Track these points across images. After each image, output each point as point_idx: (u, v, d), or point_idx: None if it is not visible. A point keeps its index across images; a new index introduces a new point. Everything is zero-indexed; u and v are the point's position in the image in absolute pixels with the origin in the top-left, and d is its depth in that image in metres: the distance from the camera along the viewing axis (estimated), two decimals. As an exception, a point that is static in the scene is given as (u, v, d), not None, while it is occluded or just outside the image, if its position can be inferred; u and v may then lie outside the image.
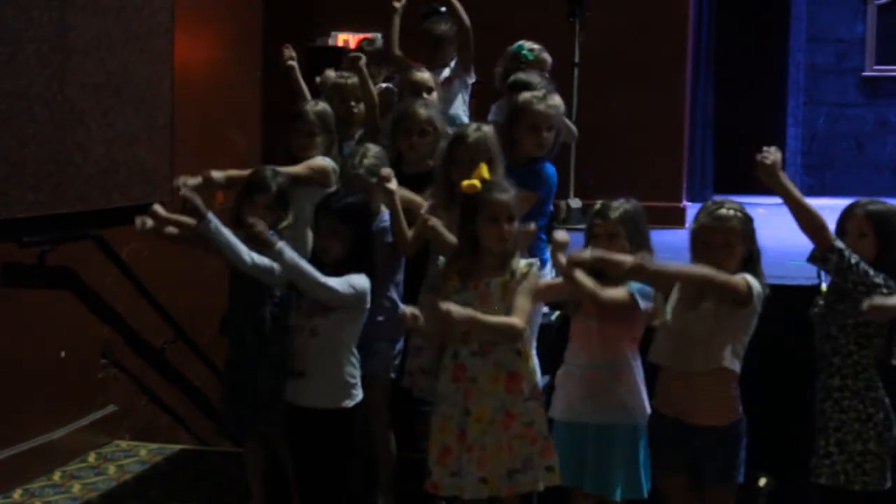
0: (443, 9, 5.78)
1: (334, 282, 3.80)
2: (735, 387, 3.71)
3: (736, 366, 3.69)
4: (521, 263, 3.81)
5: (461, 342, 3.78)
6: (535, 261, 3.91)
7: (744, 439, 3.72)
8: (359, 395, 3.99)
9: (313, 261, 3.96)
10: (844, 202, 3.86)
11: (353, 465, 4.12)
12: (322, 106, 4.94)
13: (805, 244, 3.77)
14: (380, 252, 4.23)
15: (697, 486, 3.77)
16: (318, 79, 5.77)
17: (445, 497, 4.05)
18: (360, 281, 3.87)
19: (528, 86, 4.83)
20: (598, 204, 3.89)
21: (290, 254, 3.78)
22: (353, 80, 5.23)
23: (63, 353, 5.52)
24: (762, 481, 4.58)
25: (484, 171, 4.13)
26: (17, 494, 5.04)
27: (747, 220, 3.72)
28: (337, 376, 3.93)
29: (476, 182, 4.03)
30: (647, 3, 7.31)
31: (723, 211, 3.70)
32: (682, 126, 7.68)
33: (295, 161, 4.78)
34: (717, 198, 3.86)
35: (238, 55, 7.52)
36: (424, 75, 5.34)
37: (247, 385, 4.28)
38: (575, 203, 6.63)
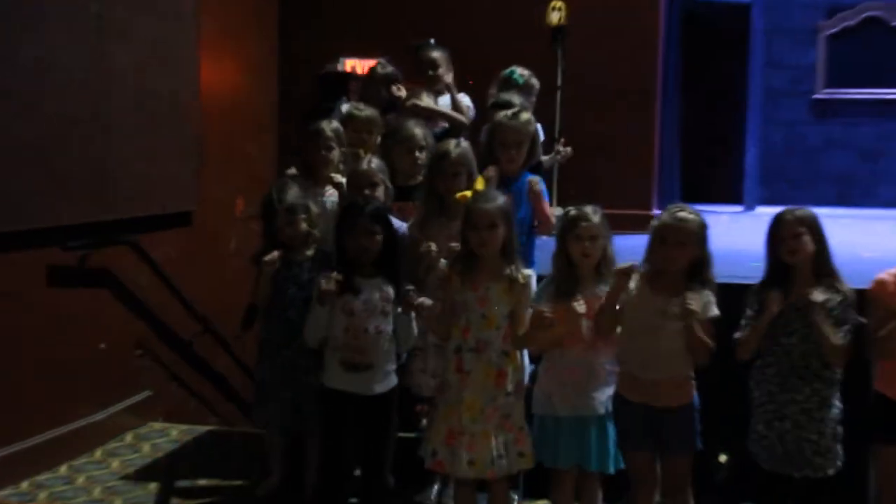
0: (432, 40, 5.79)
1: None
2: (692, 371, 3.77)
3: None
4: (521, 273, 3.81)
5: (462, 338, 3.82)
6: (532, 272, 3.95)
7: (698, 412, 3.78)
8: (396, 377, 4.08)
9: (346, 264, 3.97)
10: (799, 206, 3.87)
11: (393, 438, 4.18)
12: (336, 124, 4.89)
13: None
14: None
15: (661, 458, 3.82)
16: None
17: (445, 474, 4.12)
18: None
19: (506, 105, 4.82)
20: (573, 210, 3.88)
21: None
22: (367, 112, 5.12)
23: (103, 345, 5.56)
24: (722, 458, 4.62)
25: (479, 182, 4.18)
26: (63, 470, 5.08)
27: (703, 226, 3.74)
28: (390, 365, 4.02)
29: (467, 193, 4.07)
30: (621, 34, 7.33)
31: (683, 213, 3.74)
32: (652, 142, 7.70)
33: (313, 173, 4.77)
34: (680, 203, 3.89)
35: (256, 79, 7.56)
36: (427, 102, 5.36)
37: (290, 382, 4.33)
38: (557, 211, 6.66)
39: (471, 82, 5.93)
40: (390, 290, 3.96)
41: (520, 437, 3.83)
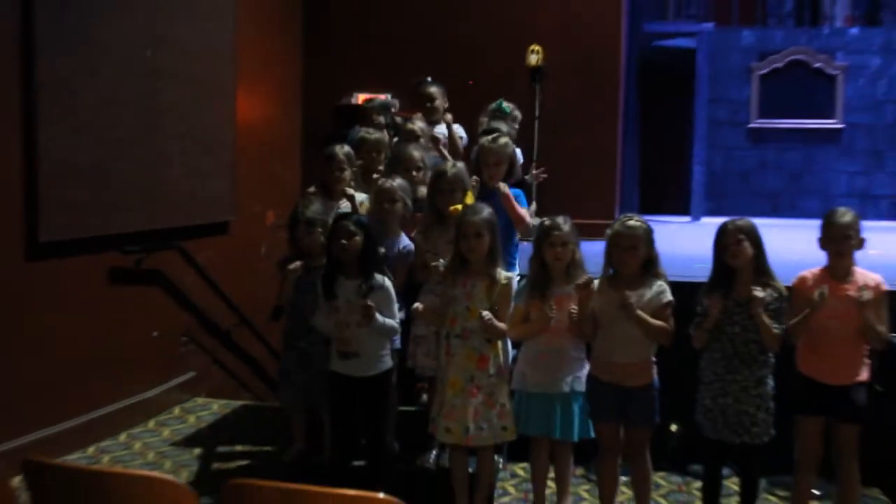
0: (429, 78, 5.81)
1: (396, 323, 3.92)
2: (653, 356, 3.78)
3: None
4: (502, 275, 3.81)
5: (450, 326, 3.82)
6: (513, 275, 3.93)
7: (658, 391, 3.78)
8: (390, 360, 4.01)
9: (332, 263, 3.93)
10: (738, 217, 3.86)
11: (391, 411, 4.13)
12: (347, 148, 4.85)
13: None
14: (403, 266, 4.24)
15: (625, 429, 3.84)
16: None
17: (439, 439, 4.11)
18: (397, 312, 3.95)
19: (493, 132, 4.80)
20: (547, 220, 3.89)
21: (380, 322, 3.83)
22: (375, 135, 5.07)
23: (155, 334, 5.59)
24: (673, 427, 4.62)
25: (468, 198, 4.18)
26: (122, 437, 5.11)
27: (649, 231, 3.74)
28: (379, 352, 3.96)
29: (458, 206, 4.07)
30: (588, 74, 7.36)
31: (631, 222, 3.73)
32: (614, 163, 7.73)
33: (329, 190, 4.74)
34: (628, 213, 3.86)
35: (283, 110, 7.57)
36: (416, 126, 5.34)
37: (306, 368, 4.33)
38: (535, 221, 6.67)
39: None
40: (375, 285, 3.88)
41: (502, 413, 3.81)
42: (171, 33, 5.62)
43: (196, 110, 5.90)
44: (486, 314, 3.69)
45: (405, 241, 4.37)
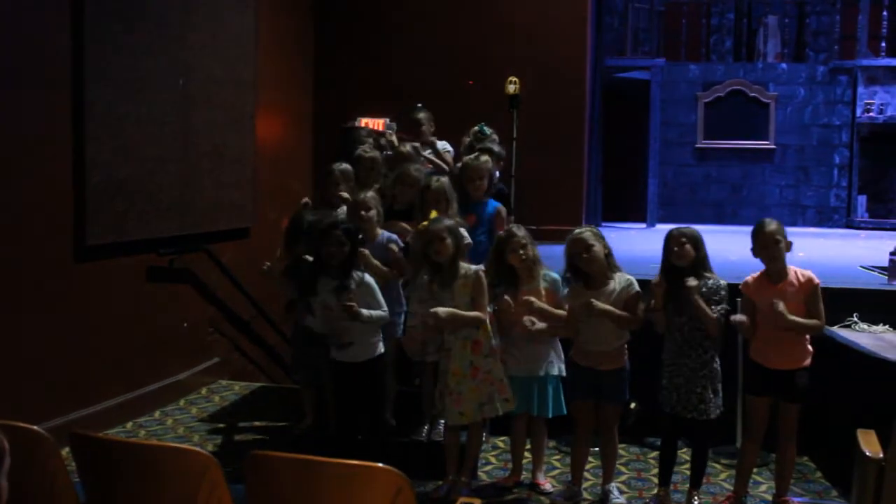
0: (419, 104, 5.76)
1: (383, 312, 3.82)
2: (624, 343, 3.78)
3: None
4: (470, 269, 3.75)
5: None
6: (480, 267, 3.84)
7: (628, 373, 3.78)
8: (382, 346, 3.93)
9: (318, 265, 3.84)
10: (684, 225, 3.83)
11: (383, 391, 4.07)
12: (344, 166, 4.79)
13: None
14: (388, 252, 4.19)
15: (597, 407, 3.82)
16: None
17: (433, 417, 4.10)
18: (383, 301, 3.85)
19: (482, 150, 4.81)
20: (503, 232, 3.93)
21: (367, 315, 3.73)
22: (371, 154, 4.99)
23: (185, 324, 5.55)
24: (632, 405, 4.61)
25: (432, 214, 4.11)
26: (157, 414, 5.07)
27: (595, 234, 3.76)
28: (371, 339, 3.88)
29: (425, 223, 3.98)
30: (558, 100, 7.36)
31: (578, 230, 3.78)
32: (581, 177, 7.73)
33: (327, 201, 4.68)
34: (576, 230, 3.83)
35: (297, 132, 7.52)
36: (406, 148, 5.28)
37: (313, 351, 4.26)
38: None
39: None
40: (351, 285, 3.78)
41: (501, 387, 3.77)
42: (201, 65, 5.59)
43: (221, 131, 5.86)
44: (444, 310, 3.64)
45: (384, 236, 4.29)
